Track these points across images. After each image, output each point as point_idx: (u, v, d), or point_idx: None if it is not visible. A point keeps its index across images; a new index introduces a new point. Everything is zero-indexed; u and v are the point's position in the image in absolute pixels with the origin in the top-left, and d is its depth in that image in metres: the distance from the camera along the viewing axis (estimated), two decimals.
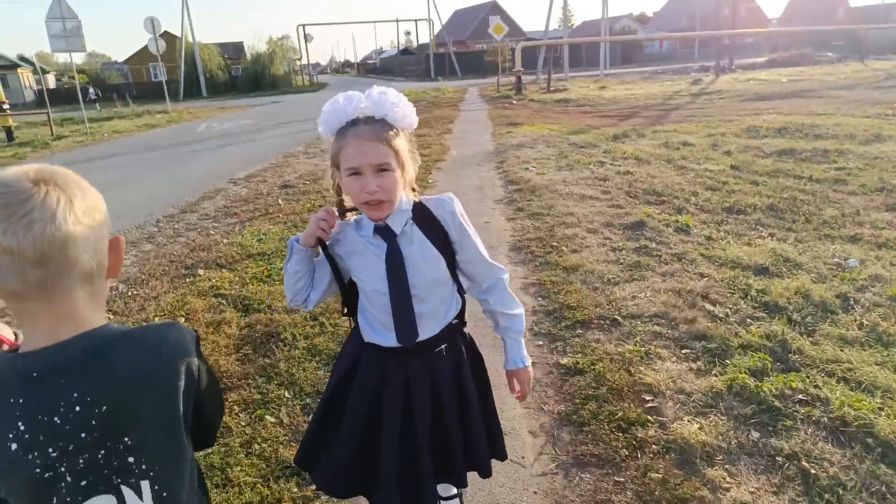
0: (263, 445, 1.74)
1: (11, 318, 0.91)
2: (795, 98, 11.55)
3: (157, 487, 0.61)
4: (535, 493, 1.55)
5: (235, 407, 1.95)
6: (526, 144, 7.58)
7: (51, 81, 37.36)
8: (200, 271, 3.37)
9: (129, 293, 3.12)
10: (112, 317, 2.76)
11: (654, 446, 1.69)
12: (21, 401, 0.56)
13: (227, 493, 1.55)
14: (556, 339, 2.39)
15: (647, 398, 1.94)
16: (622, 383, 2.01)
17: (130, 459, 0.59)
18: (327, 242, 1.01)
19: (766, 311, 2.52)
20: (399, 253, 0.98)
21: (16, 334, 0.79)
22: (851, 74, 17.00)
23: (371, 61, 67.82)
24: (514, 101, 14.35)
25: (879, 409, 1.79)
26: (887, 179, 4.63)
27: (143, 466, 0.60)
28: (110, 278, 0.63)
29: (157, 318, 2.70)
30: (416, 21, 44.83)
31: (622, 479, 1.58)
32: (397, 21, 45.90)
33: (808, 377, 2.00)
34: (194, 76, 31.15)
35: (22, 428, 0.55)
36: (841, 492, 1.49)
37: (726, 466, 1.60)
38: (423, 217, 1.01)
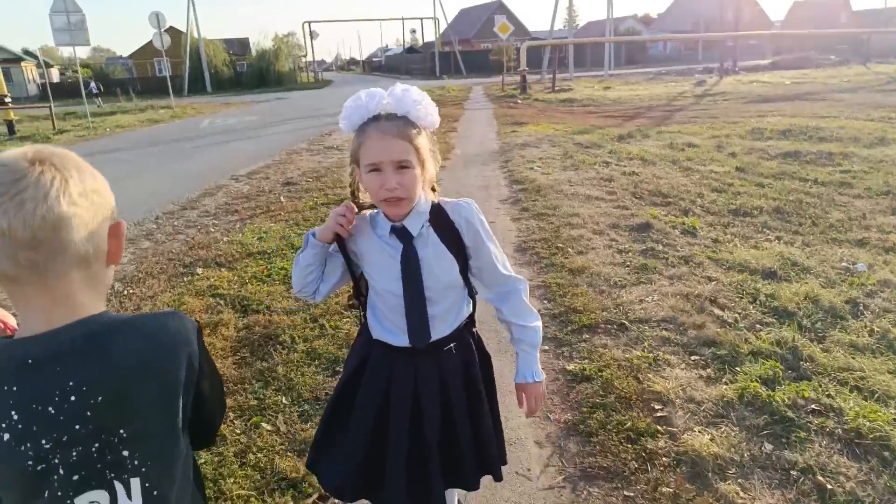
0: (259, 455, 1.68)
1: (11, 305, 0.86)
2: (799, 100, 11.54)
3: (147, 485, 0.58)
4: None
5: (231, 413, 1.89)
6: (531, 144, 7.53)
7: (55, 75, 37.40)
8: (199, 270, 3.31)
9: (125, 292, 3.07)
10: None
11: (664, 459, 1.63)
12: (15, 389, 0.54)
13: None
14: (562, 343, 2.33)
15: (657, 407, 1.89)
16: (630, 391, 1.95)
17: (125, 453, 0.57)
18: (345, 238, 1.00)
19: (776, 316, 2.48)
20: (415, 255, 0.96)
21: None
22: (854, 77, 16.98)
23: (376, 59, 67.82)
24: (519, 101, 14.31)
25: (895, 420, 1.73)
26: (893, 183, 4.63)
27: (136, 462, 0.58)
28: (111, 265, 0.61)
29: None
30: (421, 19, 44.88)
31: (632, 494, 1.52)
32: (403, 19, 46.02)
33: (821, 386, 1.96)
34: (199, 72, 31.12)
35: (15, 417, 0.53)
36: None
37: (739, 481, 1.55)
38: (440, 220, 0.99)
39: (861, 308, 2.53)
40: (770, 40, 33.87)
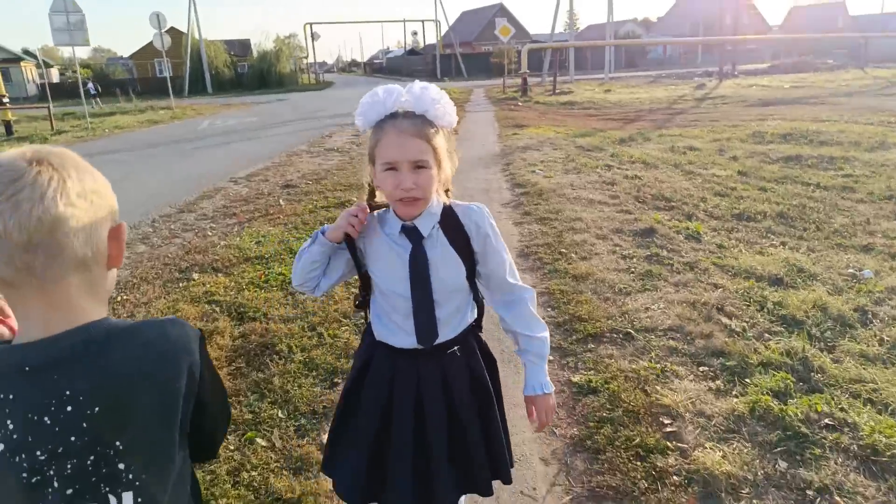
0: (253, 473, 1.61)
1: None
2: (798, 104, 11.56)
3: (140, 499, 0.56)
4: None
5: None
6: (532, 147, 7.49)
7: (55, 76, 37.36)
8: (195, 275, 3.24)
9: (119, 298, 3.00)
10: None
11: (674, 477, 1.57)
12: (11, 397, 0.52)
13: None
14: (566, 353, 2.27)
15: (666, 421, 1.83)
16: (638, 404, 1.89)
17: (121, 466, 0.55)
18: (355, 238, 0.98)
19: (784, 325, 2.44)
20: (424, 255, 0.96)
21: None
22: (852, 81, 17.05)
23: (378, 61, 67.90)
24: (520, 103, 14.29)
25: None
26: (895, 188, 4.61)
27: (132, 475, 0.56)
28: (112, 269, 0.59)
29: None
30: (423, 22, 44.89)
31: None
32: (404, 21, 45.94)
33: (833, 398, 1.91)
34: (200, 73, 31.09)
35: (11, 427, 0.52)
36: None
37: (754, 501, 1.49)
38: (449, 222, 0.98)
39: (870, 316, 2.49)
40: (768, 44, 34.00)
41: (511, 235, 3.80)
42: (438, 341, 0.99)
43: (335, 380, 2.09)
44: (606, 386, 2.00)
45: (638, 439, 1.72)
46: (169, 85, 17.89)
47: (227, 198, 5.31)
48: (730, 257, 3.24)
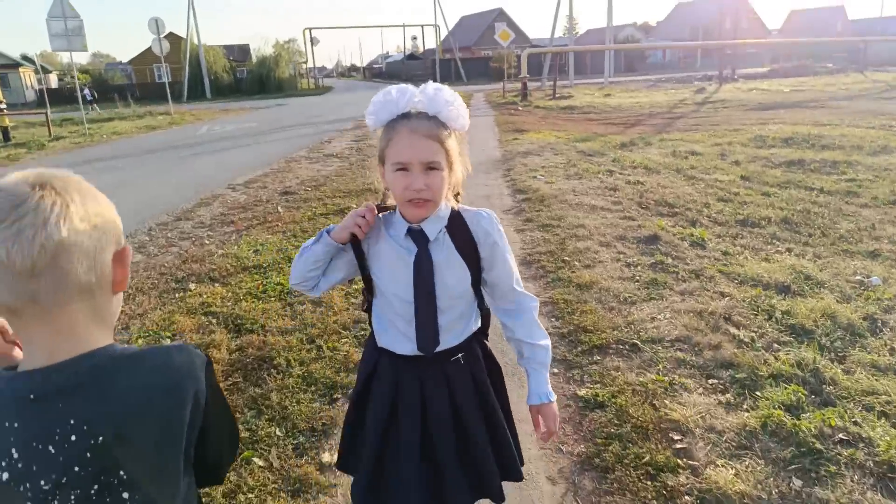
0: (249, 496, 1.55)
1: None
2: (798, 108, 11.58)
3: None
4: None
5: None
6: (533, 152, 7.46)
7: (53, 81, 37.40)
8: (191, 285, 3.19)
9: None
10: None
11: (686, 497, 1.52)
12: (16, 425, 0.52)
13: None
14: (572, 366, 2.22)
15: (675, 437, 1.78)
16: (647, 419, 1.84)
17: (125, 496, 0.55)
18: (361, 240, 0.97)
19: (794, 334, 2.40)
20: (429, 259, 0.94)
21: None
22: (852, 85, 17.12)
23: (377, 66, 68.17)
24: (520, 108, 14.30)
25: None
26: None
27: None
28: (117, 293, 0.59)
29: (140, 340, 2.51)
30: (422, 26, 44.99)
31: None
32: (404, 26, 46.09)
33: (846, 412, 1.86)
34: (198, 78, 31.14)
35: (16, 456, 0.52)
36: None
37: None
38: (457, 227, 0.97)
39: (879, 325, 2.46)
40: (767, 48, 34.16)
41: (513, 243, 3.76)
42: (440, 349, 0.97)
43: (335, 395, 2.03)
44: (614, 400, 1.95)
45: (647, 457, 1.67)
46: (167, 90, 17.87)
47: (224, 205, 5.26)
48: (735, 264, 3.20)
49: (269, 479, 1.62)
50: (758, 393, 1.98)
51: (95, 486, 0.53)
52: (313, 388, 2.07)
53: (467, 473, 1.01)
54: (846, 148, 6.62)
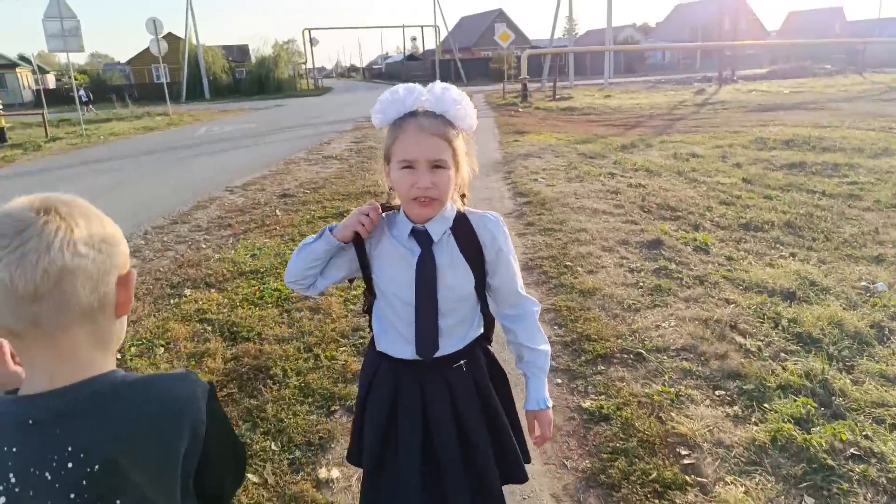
0: None
1: None
2: (798, 110, 11.59)
3: None
4: None
5: None
6: (534, 154, 7.42)
7: (51, 81, 37.30)
8: (187, 291, 3.13)
9: None
10: None
11: None
12: (14, 450, 0.52)
13: None
14: (575, 376, 2.17)
15: (683, 452, 1.73)
16: (653, 433, 1.79)
17: None
18: (364, 239, 0.95)
19: (801, 343, 2.36)
20: (432, 260, 0.93)
21: None
22: (851, 87, 17.15)
23: (377, 66, 68.14)
24: (520, 109, 14.27)
25: None
26: None
27: None
28: (121, 317, 0.59)
29: (132, 347, 2.45)
30: (422, 27, 44.96)
31: None
32: (403, 27, 46.05)
33: (857, 424, 1.82)
34: (197, 78, 31.06)
35: (13, 480, 0.52)
36: None
37: None
38: (462, 229, 0.95)
39: (886, 332, 2.43)
40: (766, 49, 34.22)
41: (515, 247, 3.66)
42: (439, 354, 0.96)
43: (332, 407, 1.98)
44: (619, 413, 1.90)
45: (655, 473, 1.62)
46: (166, 91, 17.79)
47: (222, 208, 5.19)
48: (740, 270, 3.16)
49: (263, 496, 1.56)
50: (766, 405, 1.93)
51: None
52: (310, 400, 2.01)
53: (468, 475, 0.99)
54: (847, 150, 6.61)
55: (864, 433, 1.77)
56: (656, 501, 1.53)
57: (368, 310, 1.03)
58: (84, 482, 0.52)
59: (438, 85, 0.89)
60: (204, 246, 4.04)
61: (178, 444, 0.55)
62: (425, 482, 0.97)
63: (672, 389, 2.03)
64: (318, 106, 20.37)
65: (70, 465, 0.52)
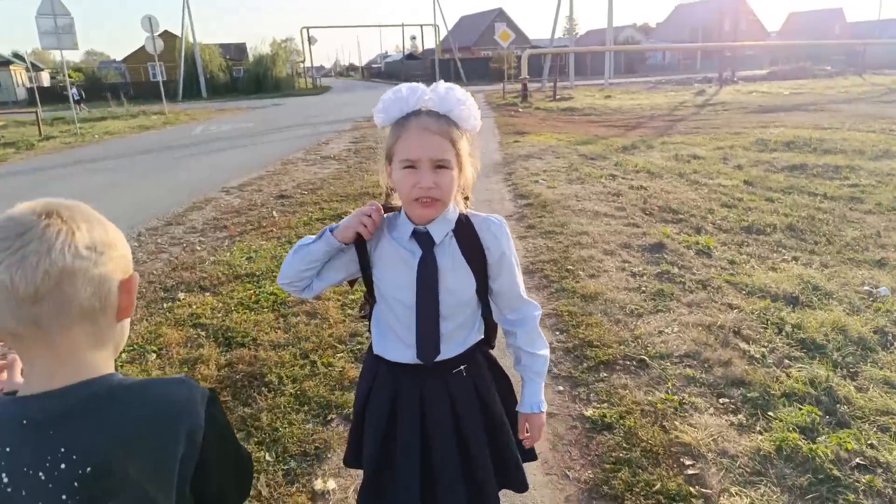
0: None
1: None
2: (798, 111, 11.59)
3: None
4: None
5: None
6: (534, 155, 7.38)
7: (45, 79, 37.04)
8: (181, 294, 3.07)
9: None
10: None
11: None
12: (7, 450, 0.52)
13: None
14: (577, 383, 2.13)
15: (687, 462, 1.69)
16: (657, 443, 1.75)
17: None
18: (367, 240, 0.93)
19: (804, 349, 2.34)
20: (433, 262, 0.91)
21: None
22: (851, 88, 17.18)
23: (376, 65, 67.99)
24: (520, 109, 14.23)
25: None
26: None
27: None
28: (122, 320, 0.59)
29: (123, 353, 2.40)
30: (421, 26, 44.82)
31: None
32: (403, 26, 45.88)
33: (862, 433, 1.79)
34: (194, 77, 30.90)
35: (6, 480, 0.52)
36: None
37: None
38: (465, 232, 0.93)
39: (890, 338, 2.41)
40: (766, 50, 34.27)
41: (516, 251, 3.64)
42: (440, 358, 0.95)
43: (329, 415, 1.93)
44: (622, 421, 1.86)
45: (659, 484, 1.58)
46: (161, 89, 17.67)
47: (217, 209, 5.12)
48: (742, 274, 3.13)
49: None
50: (771, 413, 1.90)
51: None
52: (306, 408, 1.96)
53: (465, 481, 0.98)
54: (848, 152, 6.60)
55: (869, 442, 1.74)
56: None
57: (368, 315, 1.01)
58: (76, 484, 0.52)
59: (442, 84, 0.88)
60: (199, 248, 3.97)
61: (175, 449, 0.54)
62: (423, 486, 0.96)
63: (676, 397, 2.00)
64: (316, 105, 20.28)
65: (63, 466, 0.52)
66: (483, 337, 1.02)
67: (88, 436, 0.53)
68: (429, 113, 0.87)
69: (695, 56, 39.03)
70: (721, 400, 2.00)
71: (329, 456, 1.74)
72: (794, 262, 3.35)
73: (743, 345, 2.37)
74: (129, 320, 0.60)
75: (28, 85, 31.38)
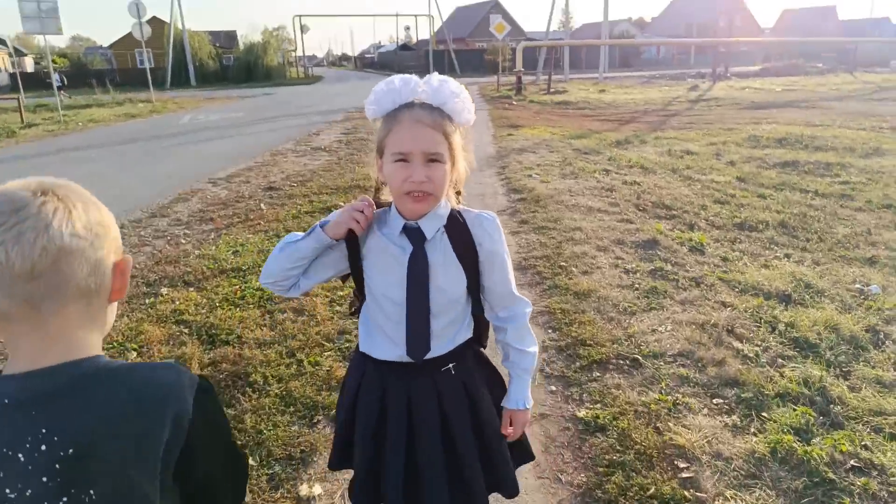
0: None
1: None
2: (790, 107, 11.66)
3: None
4: None
5: None
6: (528, 149, 7.32)
7: (29, 65, 36.00)
8: (164, 290, 2.97)
9: None
10: None
11: None
12: None
13: None
14: (570, 383, 2.09)
15: (681, 465, 1.67)
16: (651, 445, 1.73)
17: None
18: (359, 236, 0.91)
19: (797, 348, 2.33)
20: (424, 258, 0.89)
21: None
22: (842, 86, 17.34)
23: (369, 55, 67.14)
24: (514, 102, 14.14)
25: None
26: (893, 195, 4.63)
27: None
28: (113, 302, 0.59)
29: (102, 351, 2.31)
30: (416, 16, 44.29)
31: None
32: (397, 16, 45.30)
33: (856, 434, 1.78)
34: (182, 64, 30.22)
35: None
36: None
37: None
38: (456, 228, 0.91)
39: (881, 337, 2.41)
40: (760, 47, 34.42)
41: (508, 246, 3.57)
42: (429, 356, 0.93)
43: (315, 417, 1.87)
44: (615, 423, 1.83)
45: (653, 489, 1.55)
46: (149, 77, 17.20)
47: (204, 201, 4.99)
48: (735, 271, 3.12)
49: None
50: (765, 414, 1.89)
51: (64, 499, 0.51)
52: (292, 409, 1.90)
53: (452, 482, 0.97)
54: (839, 150, 6.64)
55: (863, 443, 1.73)
56: None
57: (357, 313, 0.99)
58: (57, 465, 0.50)
59: (436, 76, 0.86)
60: (183, 241, 3.86)
61: (160, 433, 0.53)
62: (408, 485, 0.96)
63: (669, 398, 1.97)
64: (307, 95, 19.95)
65: (43, 447, 0.50)
66: (473, 335, 1.00)
67: (72, 417, 0.51)
68: (422, 105, 0.85)
69: (689, 51, 39.11)
70: (715, 400, 1.98)
71: (315, 459, 1.68)
72: (786, 259, 3.35)
73: (736, 344, 2.35)
74: (116, 303, 0.59)
75: (11, 70, 30.42)
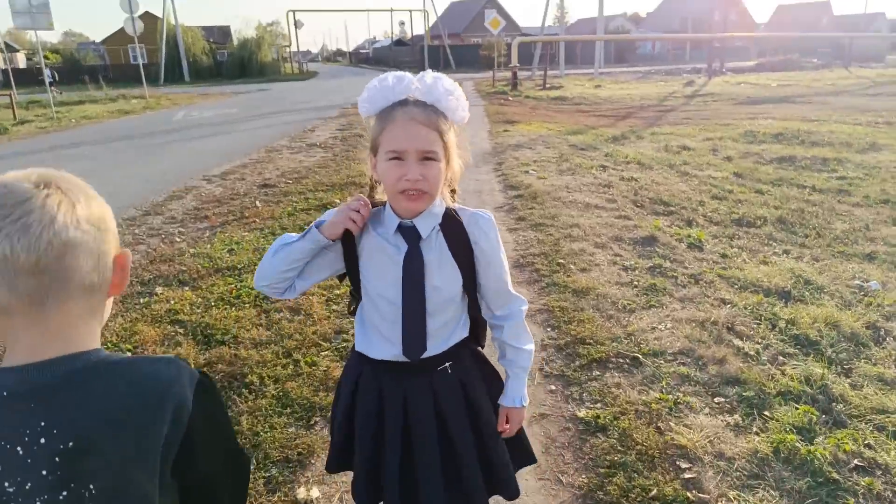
0: None
1: None
2: (786, 103, 11.68)
3: None
4: None
5: None
6: (524, 145, 7.28)
7: (21, 61, 35.50)
8: (158, 289, 2.92)
9: None
10: None
11: None
12: None
13: None
14: (570, 382, 2.07)
15: (683, 466, 1.65)
16: (652, 445, 1.71)
17: None
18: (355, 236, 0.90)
19: (798, 345, 2.31)
20: (420, 257, 0.89)
21: None
22: (837, 81, 17.40)
23: (364, 51, 66.57)
24: (510, 97, 14.07)
25: None
26: (890, 191, 4.64)
27: None
28: (111, 296, 0.58)
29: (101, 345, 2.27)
30: (410, 12, 43.93)
31: None
32: (391, 11, 44.91)
33: (858, 433, 1.77)
34: (176, 60, 29.89)
35: None
36: None
37: None
38: (452, 227, 0.91)
39: (882, 333, 2.40)
40: (755, 42, 34.48)
41: (505, 243, 3.56)
42: (426, 355, 0.93)
43: (312, 418, 1.84)
44: (616, 423, 1.81)
45: (655, 490, 1.54)
46: (142, 72, 16.97)
47: (198, 198, 4.92)
48: (734, 268, 3.11)
49: None
50: (767, 413, 1.87)
51: (64, 493, 0.50)
52: (289, 411, 1.87)
53: (450, 483, 0.96)
54: (835, 145, 6.66)
55: (866, 442, 1.72)
56: None
57: (354, 312, 0.99)
58: (57, 459, 0.50)
59: (430, 74, 0.86)
60: (178, 239, 3.81)
61: (160, 428, 0.53)
62: (405, 485, 0.96)
63: (670, 397, 1.95)
64: (302, 91, 19.79)
65: (42, 440, 0.50)
66: (471, 335, 1.00)
67: (71, 411, 0.51)
68: (416, 103, 0.84)
69: (684, 46, 39.05)
70: (716, 399, 1.96)
71: (312, 462, 1.65)
72: (785, 255, 3.34)
73: (737, 341, 2.33)
74: (112, 298, 0.59)
75: (2, 66, 29.94)
